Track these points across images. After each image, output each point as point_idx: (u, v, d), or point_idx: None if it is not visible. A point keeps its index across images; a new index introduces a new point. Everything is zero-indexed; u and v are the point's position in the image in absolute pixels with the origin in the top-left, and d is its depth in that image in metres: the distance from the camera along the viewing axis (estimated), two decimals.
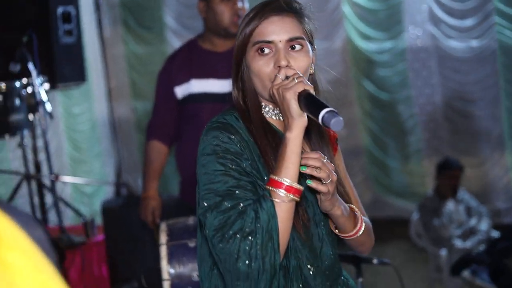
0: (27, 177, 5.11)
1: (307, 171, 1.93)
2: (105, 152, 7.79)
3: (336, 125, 1.80)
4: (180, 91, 3.85)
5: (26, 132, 5.01)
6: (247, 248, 1.85)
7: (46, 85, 5.09)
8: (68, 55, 5.61)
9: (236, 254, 1.86)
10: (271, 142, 2.07)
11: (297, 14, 2.13)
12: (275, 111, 2.13)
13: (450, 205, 6.10)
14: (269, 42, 2.05)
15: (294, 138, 1.92)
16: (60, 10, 5.58)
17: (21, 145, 5.04)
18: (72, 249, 4.89)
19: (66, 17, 5.62)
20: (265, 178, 2.01)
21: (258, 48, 2.07)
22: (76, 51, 5.72)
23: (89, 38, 7.20)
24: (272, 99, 2.02)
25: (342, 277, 2.25)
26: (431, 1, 7.20)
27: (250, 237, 1.86)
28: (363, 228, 2.14)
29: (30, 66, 4.83)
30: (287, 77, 1.98)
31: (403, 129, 7.37)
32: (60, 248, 4.66)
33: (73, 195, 6.77)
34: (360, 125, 7.46)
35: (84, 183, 6.45)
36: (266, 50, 2.06)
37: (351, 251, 3.04)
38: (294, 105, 1.90)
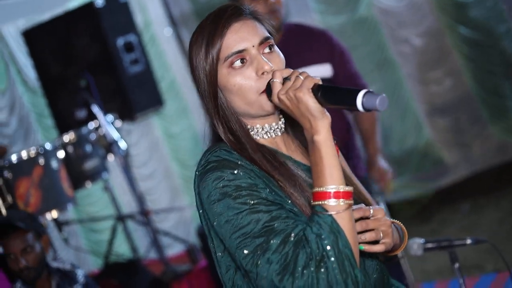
0: (120, 218, 5.07)
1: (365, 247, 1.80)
2: None
3: (383, 103, 1.62)
4: None
5: (107, 174, 4.97)
6: (323, 277, 1.64)
7: (118, 122, 5.03)
8: (139, 83, 5.54)
9: (315, 287, 1.64)
10: (275, 164, 1.86)
11: (253, 15, 1.93)
12: (264, 129, 1.92)
13: None
14: (241, 51, 1.85)
15: (325, 139, 1.72)
16: (120, 41, 5.52)
17: (107, 188, 5.00)
18: (178, 280, 4.80)
19: (129, 47, 5.54)
20: (289, 201, 1.79)
21: (230, 63, 1.85)
22: (147, 77, 5.65)
23: (171, 55, 7.09)
24: (278, 110, 1.87)
25: (395, 287, 2.02)
26: None
27: (323, 264, 1.64)
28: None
29: (95, 108, 4.77)
30: (284, 79, 1.77)
31: (510, 65, 6.69)
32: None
33: (176, 221, 6.69)
34: (464, 72, 6.90)
35: (178, 209, 6.33)
36: (240, 62, 1.85)
37: (443, 237, 2.83)
38: (313, 104, 1.71)
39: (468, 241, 2.96)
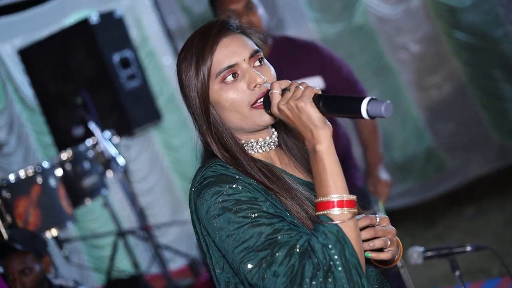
0: (121, 234, 5.05)
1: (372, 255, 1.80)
2: None
3: (388, 110, 1.62)
4: None
5: (106, 191, 4.96)
6: (331, 286, 1.63)
7: (116, 138, 5.01)
8: (137, 98, 5.54)
9: None
10: (272, 178, 1.85)
11: (241, 30, 1.93)
12: (259, 144, 1.91)
13: None
14: (232, 66, 1.84)
15: (327, 148, 1.72)
16: (116, 57, 5.51)
17: (106, 204, 4.99)
18: None
19: (125, 63, 5.54)
20: (288, 214, 1.78)
21: (222, 78, 1.84)
22: (144, 92, 5.64)
23: (169, 69, 7.08)
24: (274, 118, 1.84)
25: None
26: None
27: (330, 273, 1.63)
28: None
29: (92, 125, 4.76)
30: (283, 91, 1.77)
31: (509, 68, 6.67)
32: None
33: (178, 235, 6.66)
34: (463, 77, 6.86)
35: (178, 223, 6.30)
36: (232, 77, 1.84)
37: (442, 245, 2.82)
38: (315, 113, 1.71)
39: (468, 248, 2.95)
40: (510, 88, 6.77)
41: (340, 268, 1.63)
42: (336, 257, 1.63)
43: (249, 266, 1.69)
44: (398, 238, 1.97)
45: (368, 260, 1.92)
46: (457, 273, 2.93)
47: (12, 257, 3.37)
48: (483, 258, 4.86)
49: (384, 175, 3.67)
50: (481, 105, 6.86)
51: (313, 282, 1.62)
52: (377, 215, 1.82)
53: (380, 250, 1.82)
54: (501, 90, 6.79)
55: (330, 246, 1.64)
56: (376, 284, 1.91)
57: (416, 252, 2.89)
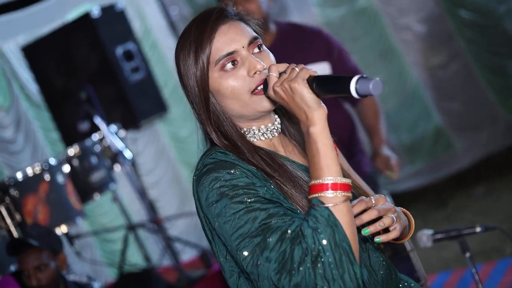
0: (131, 228, 5.05)
1: (371, 229, 1.71)
2: None
3: (377, 88, 1.59)
4: None
5: (114, 185, 4.96)
6: (320, 272, 1.58)
7: (122, 132, 5.01)
8: (142, 91, 5.53)
9: (313, 283, 1.59)
10: (274, 166, 1.83)
11: (239, 17, 1.91)
12: (261, 131, 1.89)
13: None
14: (231, 53, 1.83)
15: (321, 131, 1.68)
16: (119, 50, 5.49)
17: (115, 199, 4.99)
18: (193, 286, 4.78)
19: (128, 55, 5.52)
20: (287, 202, 1.76)
21: (222, 66, 1.83)
22: (149, 84, 5.63)
23: (173, 59, 7.05)
24: (273, 110, 1.85)
25: (404, 281, 1.96)
26: None
27: (319, 259, 1.59)
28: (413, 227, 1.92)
29: (97, 120, 4.75)
30: (280, 74, 1.76)
31: None
32: None
33: (187, 226, 6.65)
34: (468, 55, 6.81)
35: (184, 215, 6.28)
36: (231, 64, 1.83)
37: (451, 227, 2.79)
38: (308, 94, 1.68)
39: (478, 229, 2.92)
40: None
41: (328, 253, 1.59)
42: (325, 242, 1.60)
43: (245, 253, 1.67)
44: (408, 213, 1.95)
45: (375, 246, 1.90)
46: (468, 254, 2.89)
47: (28, 252, 3.39)
48: (495, 237, 4.84)
49: (389, 152, 3.65)
50: (486, 82, 6.82)
51: (301, 268, 1.59)
52: (371, 197, 1.78)
53: (386, 230, 1.78)
54: (506, 67, 6.75)
55: (320, 230, 1.61)
56: (382, 269, 1.88)
57: (425, 235, 2.87)
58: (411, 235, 1.93)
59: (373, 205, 1.75)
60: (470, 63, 6.82)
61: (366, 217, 1.71)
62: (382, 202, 1.78)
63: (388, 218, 1.74)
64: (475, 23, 6.66)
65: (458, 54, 6.85)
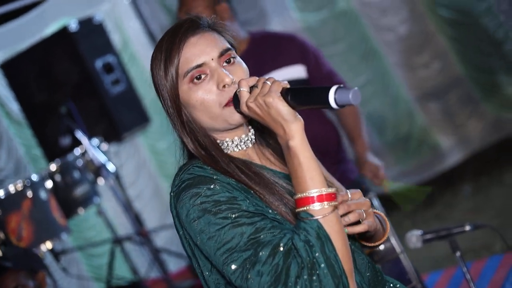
0: (117, 241, 5.00)
1: (348, 229, 1.75)
2: None
3: (356, 97, 1.57)
4: None
5: (98, 199, 4.91)
6: (316, 284, 1.59)
7: (104, 145, 4.96)
8: (123, 103, 5.48)
9: None
10: (250, 174, 1.81)
11: (212, 27, 1.88)
12: (234, 143, 1.88)
13: None
14: (200, 65, 1.81)
15: (301, 143, 1.67)
16: (99, 63, 5.44)
17: (100, 212, 4.94)
18: None
19: (108, 68, 5.47)
20: (269, 211, 1.75)
21: (190, 78, 1.81)
22: (130, 96, 5.59)
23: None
24: (247, 121, 1.83)
25: (389, 283, 1.95)
26: None
27: (314, 271, 1.60)
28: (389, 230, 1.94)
29: (78, 134, 4.70)
30: (251, 88, 1.72)
31: (495, 41, 6.63)
32: None
33: (170, 237, 6.59)
34: (451, 53, 6.82)
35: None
36: (200, 77, 1.80)
37: (441, 227, 2.78)
38: (283, 107, 1.66)
39: (467, 228, 2.91)
40: (498, 61, 6.75)
41: (323, 265, 1.60)
42: (317, 254, 1.60)
43: (233, 267, 1.65)
44: (383, 215, 1.96)
45: (359, 249, 1.90)
46: (458, 253, 2.87)
47: (4, 276, 3.35)
48: (485, 234, 4.81)
49: (376, 160, 3.62)
50: (470, 79, 6.83)
51: (298, 281, 1.59)
52: (348, 191, 1.78)
53: (357, 224, 1.79)
54: (489, 63, 6.77)
55: (312, 243, 1.61)
56: (368, 271, 1.88)
57: (415, 236, 2.85)
58: (386, 237, 1.93)
59: (349, 199, 1.76)
60: (453, 61, 6.83)
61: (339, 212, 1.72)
62: (357, 196, 1.79)
63: (355, 214, 1.75)
64: (456, 21, 6.68)
65: (440, 53, 6.86)
